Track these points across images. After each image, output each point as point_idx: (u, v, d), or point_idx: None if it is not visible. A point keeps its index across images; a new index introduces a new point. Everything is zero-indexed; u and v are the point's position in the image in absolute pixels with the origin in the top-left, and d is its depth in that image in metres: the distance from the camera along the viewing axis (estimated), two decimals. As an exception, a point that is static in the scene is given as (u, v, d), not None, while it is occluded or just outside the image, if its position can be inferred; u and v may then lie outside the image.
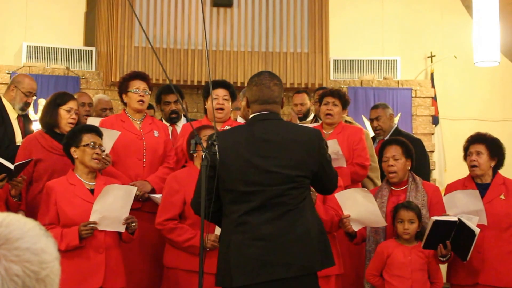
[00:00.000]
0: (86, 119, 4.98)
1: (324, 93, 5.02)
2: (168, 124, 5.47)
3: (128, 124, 4.49)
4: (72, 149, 3.81)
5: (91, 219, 3.63)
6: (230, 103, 4.66)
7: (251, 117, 3.19)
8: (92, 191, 3.77)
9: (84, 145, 3.78)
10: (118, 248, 3.82)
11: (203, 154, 3.01)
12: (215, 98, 4.56)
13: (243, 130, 3.22)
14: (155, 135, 4.54)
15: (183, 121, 5.59)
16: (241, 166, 3.02)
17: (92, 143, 3.78)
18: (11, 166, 3.73)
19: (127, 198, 3.71)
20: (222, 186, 3.05)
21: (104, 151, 3.92)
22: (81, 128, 3.93)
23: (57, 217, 3.70)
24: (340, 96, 4.89)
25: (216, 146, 2.97)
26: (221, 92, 4.59)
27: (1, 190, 3.86)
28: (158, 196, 4.18)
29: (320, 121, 5.44)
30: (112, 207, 3.66)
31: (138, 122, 4.55)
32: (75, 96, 5.69)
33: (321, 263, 3.05)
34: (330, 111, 4.87)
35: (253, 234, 2.95)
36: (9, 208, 3.89)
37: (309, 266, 2.98)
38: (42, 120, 4.37)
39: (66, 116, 4.31)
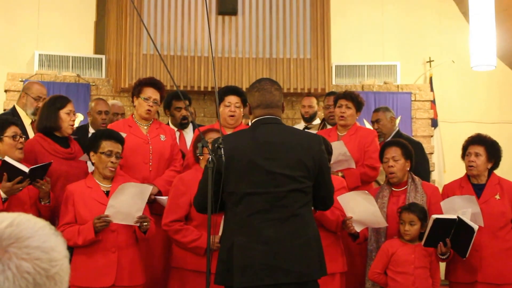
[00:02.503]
0: (103, 126, 5.04)
1: (338, 96, 5.03)
2: (176, 129, 5.53)
3: (135, 129, 4.52)
4: (91, 154, 3.90)
5: (106, 213, 3.69)
6: (242, 109, 4.70)
7: (254, 121, 3.24)
8: (107, 193, 3.84)
9: (100, 152, 3.85)
10: (134, 246, 3.89)
11: (209, 156, 3.07)
12: (227, 106, 4.58)
13: (247, 133, 3.29)
14: (162, 139, 4.56)
15: (191, 126, 5.65)
16: (245, 168, 3.07)
17: (108, 151, 3.85)
18: (26, 170, 3.77)
19: (141, 196, 3.75)
20: (227, 188, 3.10)
21: (121, 158, 3.95)
22: (101, 134, 4.00)
23: (75, 217, 3.80)
24: (353, 99, 4.91)
25: (222, 149, 3.02)
26: (233, 100, 4.60)
27: (26, 195, 3.91)
28: (164, 198, 4.23)
29: (329, 126, 5.47)
30: (126, 203, 3.70)
31: (145, 127, 4.58)
32: (93, 104, 5.75)
33: (319, 271, 3.11)
34: (343, 114, 4.89)
35: (256, 237, 3.00)
36: (40, 213, 3.94)
37: (308, 274, 3.05)
38: (42, 124, 4.32)
39: (67, 119, 4.30)
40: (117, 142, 3.92)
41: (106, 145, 3.86)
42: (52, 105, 4.33)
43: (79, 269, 3.71)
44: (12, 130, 3.96)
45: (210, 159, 3.05)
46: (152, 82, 4.63)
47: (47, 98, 4.48)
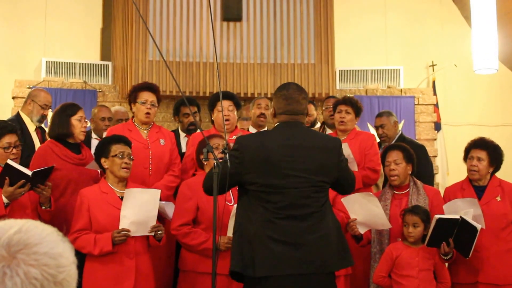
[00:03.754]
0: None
1: (338, 102, 5.09)
2: (184, 135, 5.57)
3: (135, 134, 4.50)
4: (102, 160, 3.92)
5: (121, 226, 3.69)
6: (235, 112, 4.73)
7: (277, 124, 3.31)
8: (122, 198, 3.82)
9: (112, 156, 3.87)
10: (148, 253, 3.90)
11: (215, 162, 3.15)
12: (220, 111, 4.53)
13: (270, 134, 3.36)
14: (161, 143, 4.57)
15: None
16: (266, 167, 3.13)
17: (120, 153, 3.88)
18: (29, 173, 3.75)
19: (152, 201, 3.76)
20: (251, 188, 3.17)
21: (132, 159, 3.96)
22: (110, 139, 4.02)
23: (89, 223, 3.79)
24: (353, 104, 4.97)
25: (227, 154, 3.12)
26: (225, 104, 4.61)
27: (27, 199, 3.90)
28: (163, 203, 4.19)
29: (329, 129, 5.52)
30: (139, 212, 3.70)
31: (145, 131, 4.58)
32: (96, 110, 5.76)
33: (338, 264, 3.22)
34: (343, 119, 4.93)
35: (278, 232, 3.08)
36: (40, 217, 3.94)
37: (327, 265, 3.14)
38: (54, 132, 4.35)
39: (79, 125, 4.33)
40: (126, 144, 3.97)
41: (117, 148, 3.90)
42: (63, 112, 4.36)
43: (98, 274, 3.72)
44: (5, 140, 3.95)
45: (215, 164, 3.13)
46: (146, 86, 4.64)
47: (58, 106, 4.51)
